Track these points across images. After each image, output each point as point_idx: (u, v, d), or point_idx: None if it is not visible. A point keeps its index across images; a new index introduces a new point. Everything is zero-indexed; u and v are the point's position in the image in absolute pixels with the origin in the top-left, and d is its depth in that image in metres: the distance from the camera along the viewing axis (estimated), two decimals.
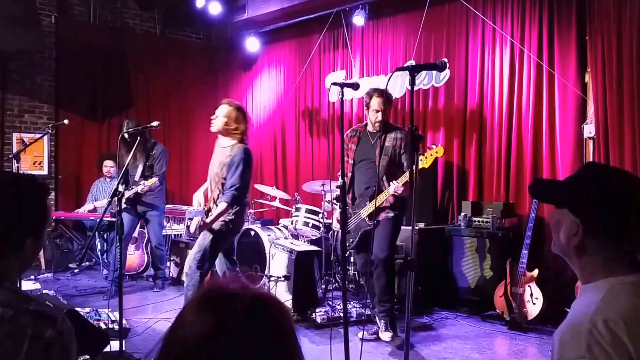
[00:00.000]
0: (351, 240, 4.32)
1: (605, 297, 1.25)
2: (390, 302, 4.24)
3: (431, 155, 4.02)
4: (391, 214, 4.20)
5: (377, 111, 4.19)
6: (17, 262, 1.41)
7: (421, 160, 3.97)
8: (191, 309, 0.92)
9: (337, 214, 4.29)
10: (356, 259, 4.39)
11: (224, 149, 4.12)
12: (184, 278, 4.15)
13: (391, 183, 4.05)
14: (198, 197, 4.26)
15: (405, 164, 4.17)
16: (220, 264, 4.33)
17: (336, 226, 4.39)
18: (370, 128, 4.32)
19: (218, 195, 4.08)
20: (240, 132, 4.11)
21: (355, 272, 5.80)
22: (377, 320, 4.29)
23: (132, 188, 5.53)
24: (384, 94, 4.20)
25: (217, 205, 4.02)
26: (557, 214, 1.41)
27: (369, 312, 4.54)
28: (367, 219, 4.20)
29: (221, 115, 4.11)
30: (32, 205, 1.43)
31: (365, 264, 4.31)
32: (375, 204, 4.01)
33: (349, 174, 4.33)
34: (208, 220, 3.96)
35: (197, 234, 4.08)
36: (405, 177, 4.02)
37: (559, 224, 1.39)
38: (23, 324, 1.27)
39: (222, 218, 4.00)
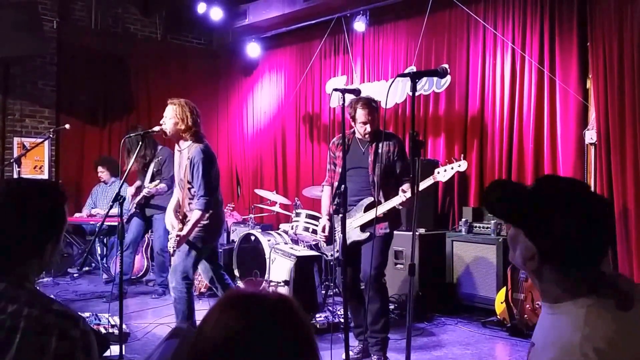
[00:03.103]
0: (336, 250, 3.97)
1: (587, 322, 1.19)
2: (384, 331, 3.87)
3: (452, 169, 3.67)
4: (386, 230, 3.88)
5: (365, 123, 3.86)
6: (37, 265, 1.47)
7: (438, 172, 3.69)
8: (217, 310, 0.94)
9: (323, 221, 4.07)
10: (345, 271, 3.93)
11: (182, 152, 3.93)
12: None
13: (400, 191, 3.73)
14: (170, 220, 4.03)
15: (398, 171, 3.89)
16: (205, 270, 4.22)
17: (321, 235, 4.11)
18: (358, 136, 4.00)
19: (189, 203, 3.90)
20: (191, 128, 3.84)
21: None
22: (369, 349, 3.93)
23: (141, 194, 5.61)
24: (368, 103, 3.88)
25: (191, 212, 3.85)
26: (512, 230, 1.32)
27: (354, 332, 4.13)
28: (359, 230, 3.86)
29: (168, 117, 3.85)
30: (54, 212, 1.48)
31: (351, 280, 3.92)
32: (376, 212, 3.59)
33: (335, 184, 3.88)
34: (184, 232, 3.78)
35: (176, 249, 3.85)
36: (421, 185, 3.66)
37: (514, 241, 1.31)
38: (49, 323, 1.31)
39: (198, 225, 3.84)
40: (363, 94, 3.84)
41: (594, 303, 1.21)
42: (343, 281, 3.52)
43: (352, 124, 3.99)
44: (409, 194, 3.67)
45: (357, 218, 3.88)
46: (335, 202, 3.50)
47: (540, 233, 1.24)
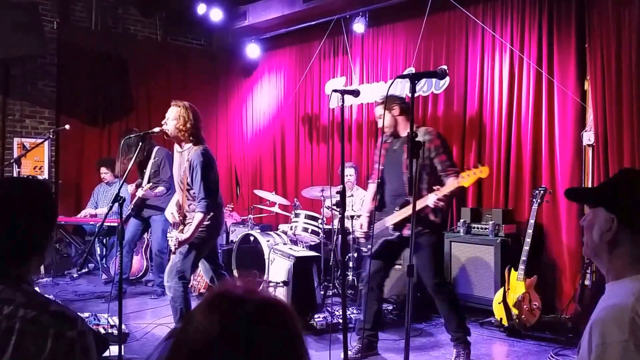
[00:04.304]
0: (369, 246, 4.05)
1: None
2: (461, 330, 3.91)
3: (474, 174, 3.65)
4: (426, 231, 3.81)
5: (378, 120, 3.98)
6: (36, 263, 1.46)
7: (462, 176, 3.67)
8: (199, 312, 0.93)
9: (362, 219, 4.13)
10: (370, 264, 4.07)
11: (182, 154, 3.96)
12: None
13: (430, 195, 3.69)
14: (171, 210, 4.05)
15: (439, 167, 3.81)
16: (205, 269, 4.25)
17: (359, 232, 4.14)
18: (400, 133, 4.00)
19: (189, 204, 3.92)
20: (193, 131, 3.88)
21: (354, 278, 5.81)
22: (452, 346, 3.99)
23: (137, 196, 5.64)
24: (380, 101, 3.96)
25: (190, 213, 3.88)
26: (590, 214, 1.49)
27: (359, 327, 4.19)
28: (390, 228, 3.90)
29: (171, 118, 3.88)
30: (48, 208, 1.48)
31: (376, 272, 4.00)
32: (414, 215, 3.49)
33: (378, 181, 4.05)
34: (187, 235, 3.79)
35: (176, 250, 3.86)
36: (447, 189, 3.66)
37: (591, 224, 1.47)
38: (45, 324, 1.30)
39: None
40: (362, 95, 3.88)
41: None
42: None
43: None
44: (432, 198, 3.64)
45: (392, 217, 3.90)
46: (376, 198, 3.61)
47: (622, 202, 1.42)
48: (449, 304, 3.94)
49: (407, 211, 3.77)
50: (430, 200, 3.66)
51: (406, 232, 3.82)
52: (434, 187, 3.70)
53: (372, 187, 4.17)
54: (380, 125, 3.97)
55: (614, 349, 1.26)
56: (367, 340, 4.07)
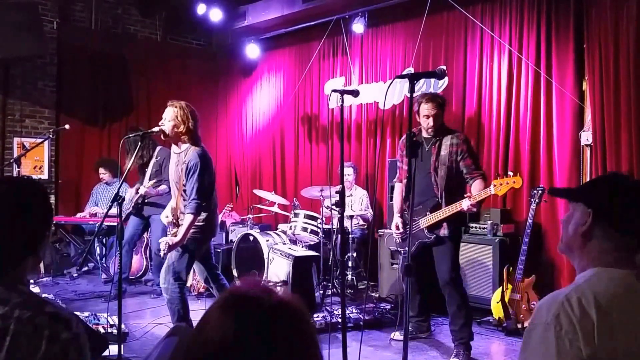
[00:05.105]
0: (406, 248, 4.09)
1: (587, 280, 1.36)
2: (463, 331, 3.98)
3: (507, 184, 3.71)
4: (450, 230, 3.96)
5: (427, 117, 3.95)
6: (32, 263, 1.45)
7: (494, 185, 3.72)
8: (214, 312, 0.94)
9: (395, 219, 4.18)
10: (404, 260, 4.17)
11: (179, 155, 3.93)
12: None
13: (464, 201, 3.78)
14: (166, 214, 4.05)
15: (464, 171, 3.92)
16: (200, 270, 4.24)
17: (396, 234, 4.20)
18: (424, 133, 4.05)
19: (184, 205, 3.89)
20: (190, 131, 3.85)
21: (353, 277, 5.83)
22: (453, 344, 4.07)
23: (138, 194, 5.65)
24: (433, 98, 3.99)
25: (184, 214, 3.85)
26: (570, 209, 1.53)
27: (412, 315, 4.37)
28: (426, 230, 3.99)
29: (168, 119, 3.86)
30: (46, 206, 1.48)
31: (418, 274, 4.11)
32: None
33: (404, 180, 4.08)
34: (178, 238, 3.77)
35: (167, 253, 3.85)
36: (480, 196, 3.75)
37: (569, 219, 1.50)
38: (40, 325, 1.30)
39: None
40: (361, 95, 3.88)
41: (610, 270, 1.37)
42: (341, 280, 3.56)
43: (418, 119, 4.05)
44: (466, 202, 3.74)
45: (423, 218, 3.99)
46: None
47: (600, 197, 1.47)
48: (460, 301, 4.01)
49: (439, 215, 3.91)
50: (464, 205, 3.77)
51: (442, 231, 3.96)
52: (466, 195, 3.79)
53: (398, 186, 4.28)
54: (431, 123, 3.96)
55: (537, 330, 1.31)
56: (417, 326, 4.43)
